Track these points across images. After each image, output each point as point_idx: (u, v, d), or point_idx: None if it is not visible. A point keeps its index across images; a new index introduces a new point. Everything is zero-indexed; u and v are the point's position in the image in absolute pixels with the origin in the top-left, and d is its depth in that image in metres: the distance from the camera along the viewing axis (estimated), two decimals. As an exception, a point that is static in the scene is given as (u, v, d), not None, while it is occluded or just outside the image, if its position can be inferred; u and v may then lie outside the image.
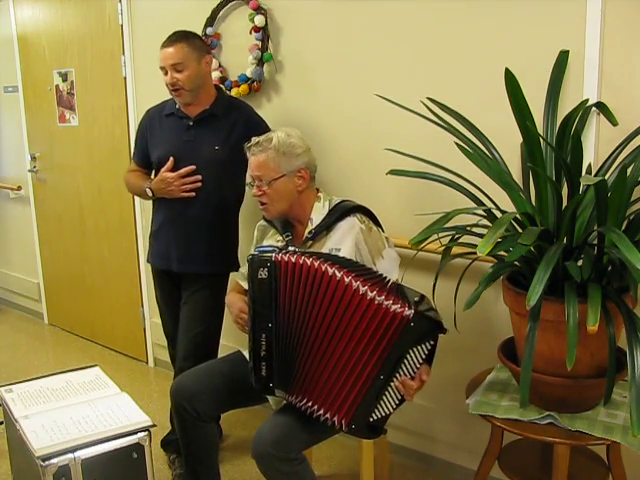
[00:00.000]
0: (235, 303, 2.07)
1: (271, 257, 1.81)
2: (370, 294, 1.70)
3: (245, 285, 2.16)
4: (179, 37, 2.37)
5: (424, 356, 1.72)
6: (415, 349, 1.71)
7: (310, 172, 2.02)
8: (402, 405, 1.81)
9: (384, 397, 1.75)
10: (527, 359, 1.53)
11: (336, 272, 1.74)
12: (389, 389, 1.74)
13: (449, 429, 2.48)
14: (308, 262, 1.78)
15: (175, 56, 2.33)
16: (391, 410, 1.78)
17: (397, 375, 1.73)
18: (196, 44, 2.39)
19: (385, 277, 1.82)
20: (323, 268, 1.75)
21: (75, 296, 4.13)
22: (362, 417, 1.76)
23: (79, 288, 4.07)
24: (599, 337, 1.50)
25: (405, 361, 1.72)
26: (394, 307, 1.68)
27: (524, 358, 1.54)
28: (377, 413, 1.77)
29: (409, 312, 1.67)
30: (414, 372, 1.73)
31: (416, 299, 1.73)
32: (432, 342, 1.72)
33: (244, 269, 2.21)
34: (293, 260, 1.79)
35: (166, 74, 2.36)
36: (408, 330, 1.68)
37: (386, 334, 1.69)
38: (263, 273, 1.81)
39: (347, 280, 1.72)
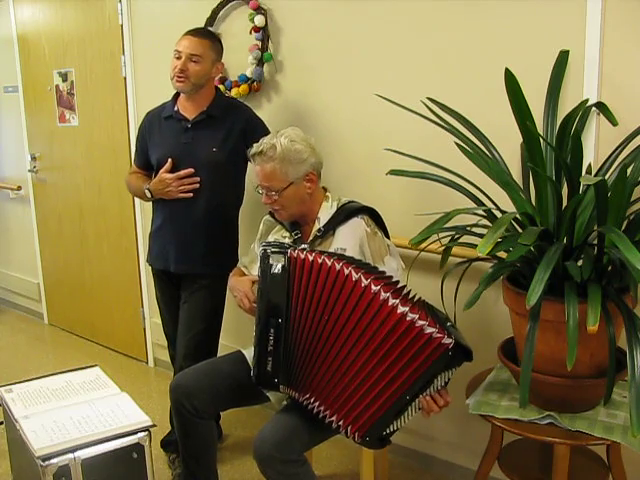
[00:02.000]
0: (241, 288, 2.05)
1: (286, 252, 1.80)
2: (401, 308, 1.64)
3: (248, 273, 2.17)
4: (207, 33, 2.47)
5: (447, 380, 1.69)
6: (443, 374, 1.67)
7: (317, 172, 2.01)
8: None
9: (403, 415, 1.72)
10: (527, 359, 1.53)
11: (362, 278, 1.69)
12: (410, 408, 1.71)
13: (449, 429, 2.48)
14: (329, 262, 1.74)
15: (197, 48, 2.36)
16: (403, 424, 1.75)
17: (420, 396, 1.69)
18: (218, 47, 2.46)
19: (405, 286, 1.77)
20: (346, 272, 1.71)
21: (75, 296, 4.13)
22: (377, 430, 1.73)
23: (79, 288, 4.07)
24: (599, 337, 1.50)
25: (432, 385, 1.68)
26: (430, 330, 1.62)
27: (524, 358, 1.54)
28: (391, 427, 1.74)
29: (449, 341, 1.61)
30: (435, 392, 1.69)
31: (449, 324, 1.68)
32: (457, 367, 1.68)
33: (245, 259, 2.22)
34: (310, 258, 1.77)
35: (178, 59, 2.37)
36: (445, 358, 1.63)
37: (419, 356, 1.63)
38: (277, 268, 1.79)
39: (375, 289, 1.67)
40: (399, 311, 1.64)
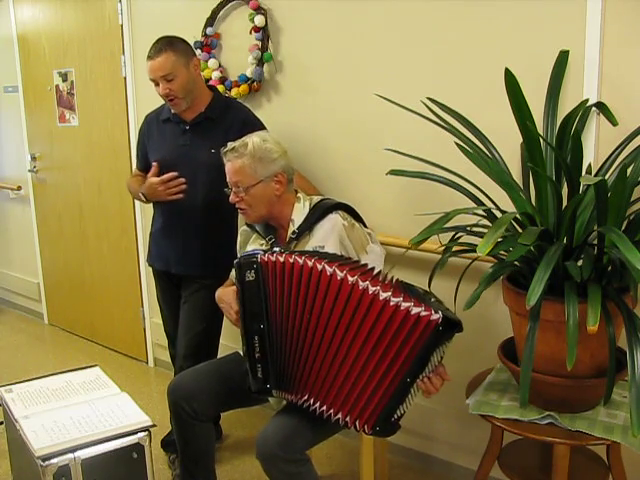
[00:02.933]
0: (226, 299, 2.04)
1: (257, 258, 1.82)
2: (383, 294, 1.64)
3: None
4: (164, 46, 2.33)
5: (442, 354, 1.68)
6: (438, 350, 1.67)
7: (287, 176, 2.02)
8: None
9: (407, 397, 1.71)
10: (527, 359, 1.53)
11: (337, 271, 1.70)
12: (412, 390, 1.70)
13: (449, 429, 2.48)
14: (300, 261, 1.75)
15: (164, 67, 2.30)
16: (408, 407, 1.74)
17: (420, 376, 1.68)
18: (181, 49, 2.36)
19: (380, 271, 1.78)
20: (319, 267, 1.72)
21: (75, 296, 4.13)
22: (385, 419, 1.73)
23: (79, 288, 4.07)
24: (599, 337, 1.50)
25: (429, 363, 1.67)
26: (416, 310, 1.61)
27: (524, 358, 1.54)
28: (398, 413, 1.73)
29: (437, 317, 1.60)
30: (432, 371, 1.69)
31: (432, 299, 1.68)
32: (450, 341, 1.67)
33: (233, 274, 2.22)
34: (281, 259, 1.78)
35: (157, 85, 2.35)
36: (437, 334, 1.62)
37: (411, 337, 1.63)
38: (250, 275, 1.81)
39: (352, 279, 1.67)
40: (382, 297, 1.64)
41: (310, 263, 1.74)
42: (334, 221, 1.96)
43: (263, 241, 2.06)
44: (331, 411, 1.77)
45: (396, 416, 1.74)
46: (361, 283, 1.67)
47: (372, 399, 1.71)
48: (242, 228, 2.19)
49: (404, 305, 1.63)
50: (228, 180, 2.01)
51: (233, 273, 2.23)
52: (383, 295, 1.65)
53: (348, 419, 1.75)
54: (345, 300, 1.69)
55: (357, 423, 1.74)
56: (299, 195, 2.07)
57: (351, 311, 1.69)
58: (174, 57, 2.32)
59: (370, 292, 1.66)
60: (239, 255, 2.13)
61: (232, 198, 2.01)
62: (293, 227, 2.00)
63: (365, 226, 2.05)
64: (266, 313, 1.81)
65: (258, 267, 1.81)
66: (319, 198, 2.07)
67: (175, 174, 2.39)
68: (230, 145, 2.00)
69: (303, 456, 1.81)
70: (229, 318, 2.04)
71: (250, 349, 1.83)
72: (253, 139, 1.98)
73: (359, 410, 1.73)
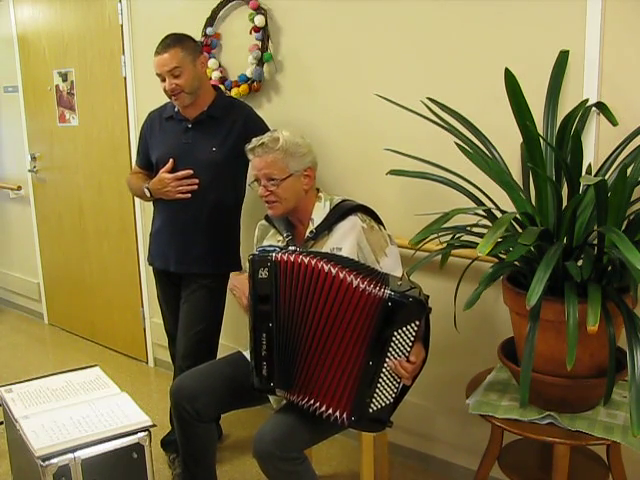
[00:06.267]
0: (240, 286, 2.05)
1: (271, 256, 1.82)
2: (361, 286, 1.72)
3: None
4: (172, 42, 2.35)
5: (412, 337, 1.73)
6: (401, 331, 1.72)
7: (314, 171, 2.03)
8: (403, 400, 1.82)
9: (379, 384, 1.76)
10: (527, 359, 1.53)
11: (331, 269, 1.75)
12: (382, 376, 1.75)
13: (449, 429, 2.48)
14: (306, 261, 1.78)
15: (171, 62, 2.31)
16: (390, 399, 1.78)
17: (387, 360, 1.74)
18: (189, 46, 2.38)
19: (379, 271, 1.83)
20: (319, 266, 1.76)
21: (75, 296, 4.13)
22: (361, 408, 1.77)
23: (79, 288, 4.08)
24: (599, 337, 1.50)
25: (392, 344, 1.72)
26: (374, 291, 1.71)
27: (524, 358, 1.54)
28: (376, 402, 1.77)
29: (385, 293, 1.70)
30: (405, 355, 1.74)
31: (399, 283, 1.75)
32: (417, 322, 1.72)
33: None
34: (292, 259, 1.80)
35: (163, 80, 2.36)
36: (386, 311, 1.70)
37: (368, 319, 1.72)
38: (263, 273, 1.81)
39: (342, 275, 1.74)
40: (360, 288, 1.72)
41: (313, 262, 1.77)
42: (353, 223, 1.97)
43: (280, 237, 2.06)
44: (317, 404, 1.80)
45: (374, 407, 1.77)
46: (347, 277, 1.74)
47: (346, 386, 1.77)
48: (260, 222, 2.19)
49: (368, 289, 1.72)
50: (255, 174, 2.00)
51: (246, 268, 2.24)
52: (362, 286, 1.72)
53: (331, 411, 1.79)
54: (335, 294, 1.75)
55: (337, 414, 1.78)
56: (320, 194, 2.06)
57: (338, 304, 1.75)
58: (182, 53, 2.33)
59: (354, 285, 1.73)
60: (255, 249, 2.14)
61: (261, 192, 1.99)
62: (312, 226, 2.00)
63: (384, 228, 2.06)
64: (275, 312, 1.82)
65: (272, 265, 1.81)
66: (340, 198, 2.06)
67: (190, 172, 2.39)
68: (258, 140, 1.97)
69: (300, 455, 1.82)
70: (241, 305, 2.04)
71: (257, 346, 1.84)
72: (283, 134, 1.97)
73: (336, 401, 1.78)
